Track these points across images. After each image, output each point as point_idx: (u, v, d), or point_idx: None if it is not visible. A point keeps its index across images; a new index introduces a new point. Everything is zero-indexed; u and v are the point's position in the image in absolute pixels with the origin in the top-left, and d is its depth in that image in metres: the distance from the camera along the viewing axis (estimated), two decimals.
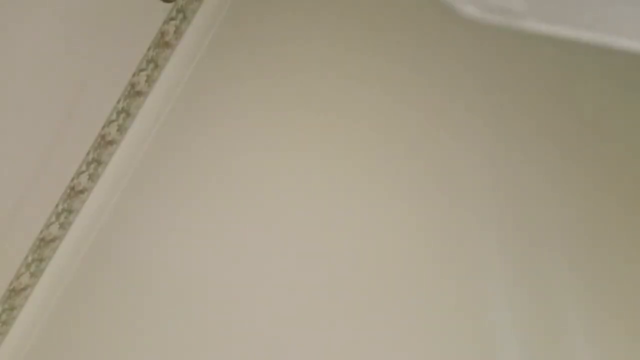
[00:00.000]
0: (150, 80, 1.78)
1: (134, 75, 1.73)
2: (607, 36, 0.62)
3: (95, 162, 1.77)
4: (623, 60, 1.44)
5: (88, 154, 1.73)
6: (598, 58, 1.47)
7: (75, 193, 1.76)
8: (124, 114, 1.77)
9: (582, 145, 1.49)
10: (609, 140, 1.47)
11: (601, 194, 1.45)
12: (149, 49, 1.73)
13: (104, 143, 1.76)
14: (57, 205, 1.73)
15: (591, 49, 1.41)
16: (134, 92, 1.76)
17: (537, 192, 1.49)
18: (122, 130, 1.79)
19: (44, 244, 1.76)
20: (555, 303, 1.43)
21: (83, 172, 1.75)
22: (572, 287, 1.43)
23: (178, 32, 1.79)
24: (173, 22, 1.76)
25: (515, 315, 1.46)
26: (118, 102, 1.73)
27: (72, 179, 1.73)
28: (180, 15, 1.77)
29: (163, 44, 1.77)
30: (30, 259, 1.74)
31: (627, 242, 1.42)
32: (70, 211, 1.78)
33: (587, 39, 0.62)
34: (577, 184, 1.47)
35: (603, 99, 1.49)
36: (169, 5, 1.71)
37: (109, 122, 1.74)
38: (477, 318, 1.48)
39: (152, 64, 1.76)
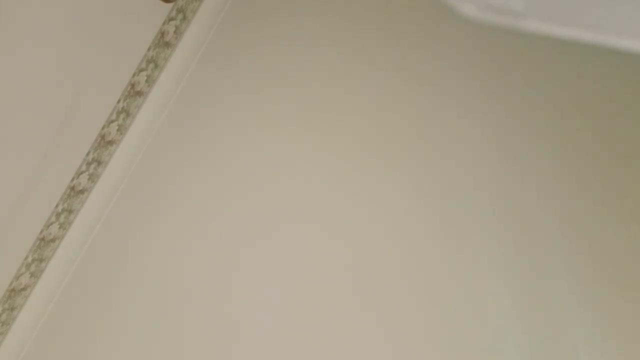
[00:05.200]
0: (150, 80, 1.78)
1: (134, 75, 1.73)
2: (608, 36, 0.62)
3: (95, 162, 1.77)
4: (623, 60, 1.44)
5: (88, 154, 1.73)
6: (598, 58, 1.47)
7: (75, 193, 1.76)
8: (124, 114, 1.77)
9: (582, 143, 1.49)
10: (609, 138, 1.47)
11: (601, 190, 1.45)
12: (149, 49, 1.73)
13: (104, 143, 1.76)
14: (57, 205, 1.73)
15: (591, 49, 1.42)
16: (134, 92, 1.76)
17: (536, 190, 1.49)
18: (122, 130, 1.79)
19: (44, 244, 1.76)
20: (556, 299, 1.43)
21: (83, 172, 1.75)
22: (573, 283, 1.43)
23: (178, 32, 1.79)
24: (173, 22, 1.76)
25: (516, 311, 1.45)
26: (118, 102, 1.73)
27: (72, 179, 1.73)
28: (180, 16, 1.77)
29: (163, 44, 1.77)
30: (30, 259, 1.74)
31: (628, 238, 1.42)
32: (70, 211, 1.78)
33: (588, 39, 0.62)
34: (577, 181, 1.47)
35: (603, 98, 1.49)
36: (169, 5, 1.71)
37: (109, 122, 1.74)
38: (478, 312, 1.48)
39: (152, 64, 1.76)
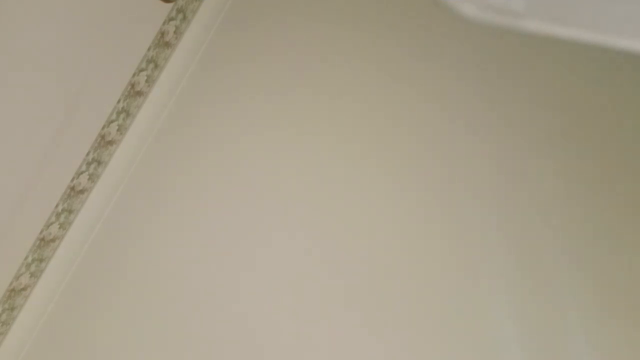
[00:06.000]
0: (150, 80, 1.79)
1: (134, 75, 1.73)
2: (608, 36, 0.62)
3: (95, 162, 1.77)
4: (623, 60, 1.44)
5: (88, 154, 1.73)
6: (598, 58, 1.47)
7: (75, 193, 1.76)
8: (124, 114, 1.77)
9: (582, 143, 1.49)
10: (609, 139, 1.47)
11: (602, 192, 1.45)
12: (149, 49, 1.73)
13: (104, 143, 1.76)
14: (57, 205, 1.73)
15: (591, 49, 1.42)
16: (134, 92, 1.76)
17: (538, 191, 1.49)
18: (122, 130, 1.79)
19: (44, 244, 1.76)
20: (557, 302, 1.43)
21: (83, 172, 1.75)
22: (574, 285, 1.43)
23: (178, 32, 1.79)
24: (173, 22, 1.76)
25: (517, 313, 1.45)
26: (118, 102, 1.73)
27: (72, 179, 1.73)
28: (180, 16, 1.77)
29: (163, 44, 1.77)
30: (30, 259, 1.74)
31: (628, 240, 1.42)
32: (70, 211, 1.78)
33: (588, 39, 0.62)
34: (578, 182, 1.47)
35: (603, 99, 1.49)
36: (169, 5, 1.71)
37: (109, 122, 1.74)
38: (479, 315, 1.48)
39: (152, 64, 1.76)
